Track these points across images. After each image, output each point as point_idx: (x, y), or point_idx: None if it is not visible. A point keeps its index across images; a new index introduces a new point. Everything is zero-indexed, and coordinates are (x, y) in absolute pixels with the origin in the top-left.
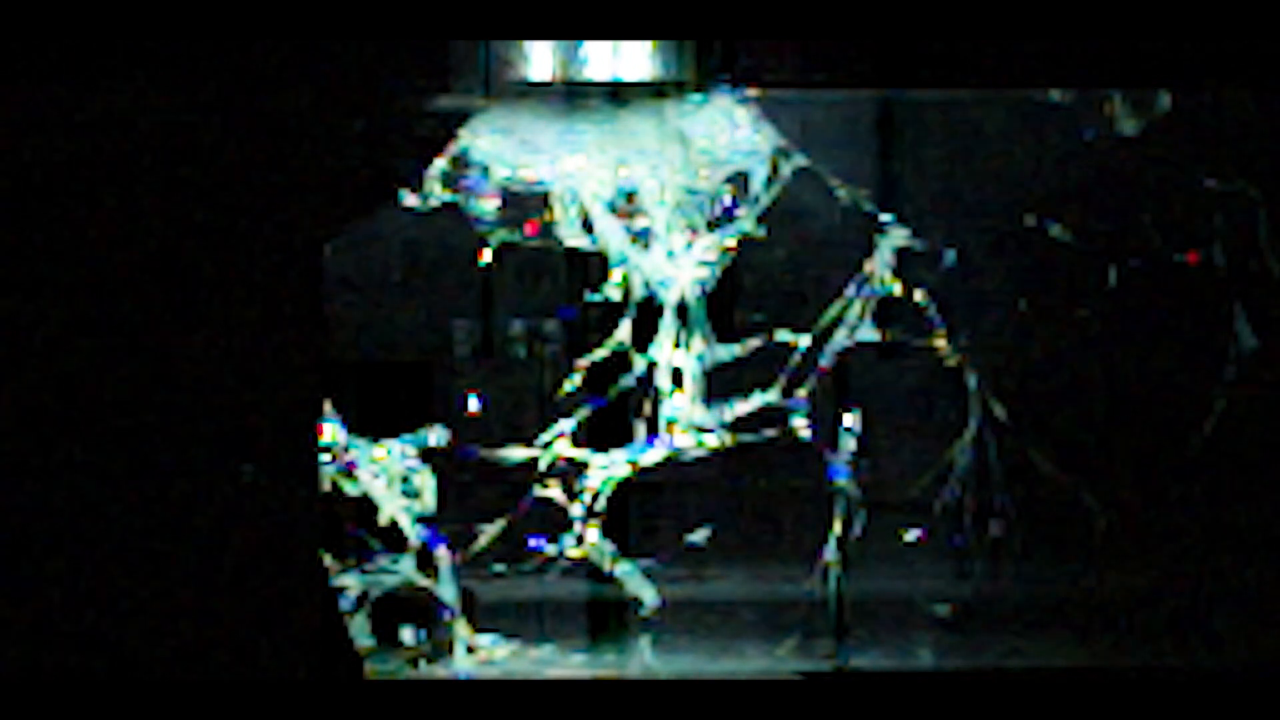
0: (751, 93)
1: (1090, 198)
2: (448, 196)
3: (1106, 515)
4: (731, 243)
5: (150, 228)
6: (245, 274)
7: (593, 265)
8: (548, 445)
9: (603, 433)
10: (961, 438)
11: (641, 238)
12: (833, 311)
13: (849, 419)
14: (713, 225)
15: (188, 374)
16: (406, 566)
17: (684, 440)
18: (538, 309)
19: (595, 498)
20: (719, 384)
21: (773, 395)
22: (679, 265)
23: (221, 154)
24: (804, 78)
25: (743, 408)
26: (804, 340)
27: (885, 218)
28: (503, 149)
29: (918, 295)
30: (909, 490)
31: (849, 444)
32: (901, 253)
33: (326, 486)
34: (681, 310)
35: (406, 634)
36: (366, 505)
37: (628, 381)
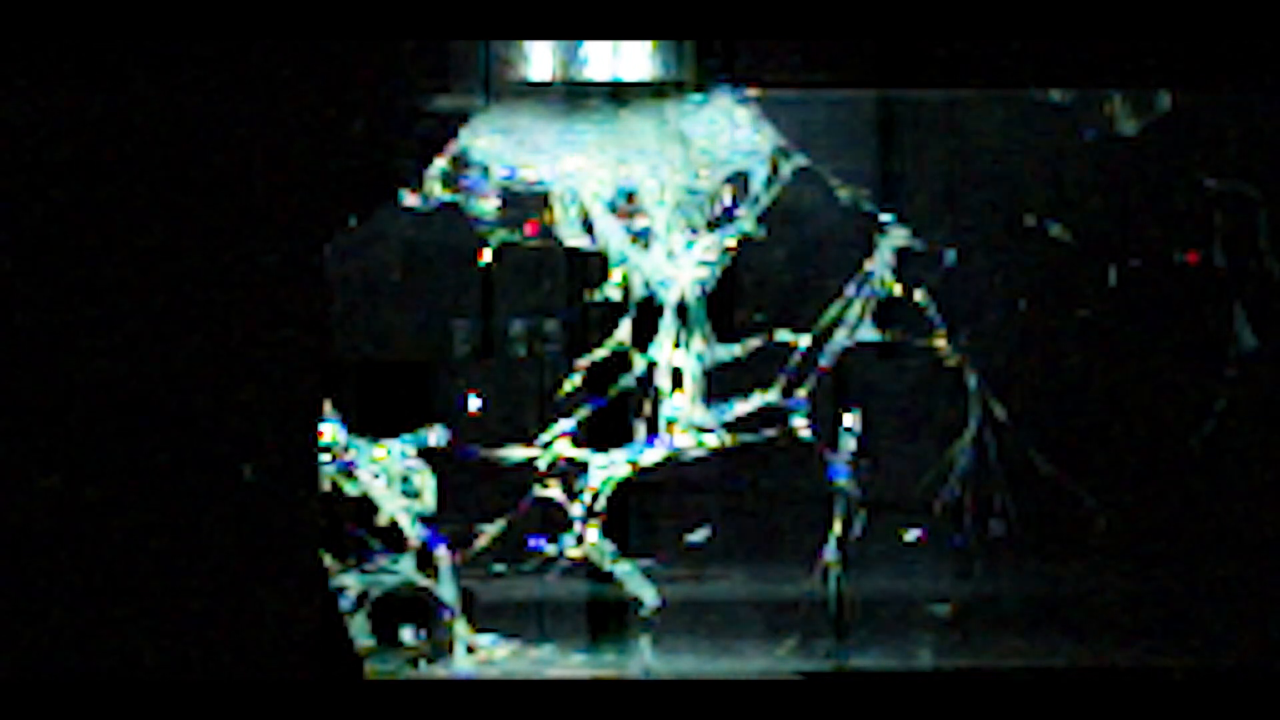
0: (751, 93)
1: (1090, 198)
2: (448, 196)
3: (1106, 515)
4: (731, 243)
5: (150, 228)
6: (245, 274)
7: (593, 265)
8: (548, 445)
9: (603, 433)
10: (961, 438)
11: (641, 238)
12: (833, 311)
13: (849, 419)
14: (713, 225)
15: (188, 374)
16: (406, 566)
17: (684, 440)
18: (538, 309)
19: (595, 498)
20: (719, 384)
21: (773, 395)
22: (679, 265)
23: (221, 154)
24: (804, 78)
25: (743, 408)
26: (804, 340)
27: (885, 218)
28: (503, 149)
29: (918, 295)
30: (909, 490)
31: (849, 444)
32: (901, 253)
33: (326, 486)
34: (681, 310)
35: (406, 634)
36: (366, 505)
37: (628, 381)
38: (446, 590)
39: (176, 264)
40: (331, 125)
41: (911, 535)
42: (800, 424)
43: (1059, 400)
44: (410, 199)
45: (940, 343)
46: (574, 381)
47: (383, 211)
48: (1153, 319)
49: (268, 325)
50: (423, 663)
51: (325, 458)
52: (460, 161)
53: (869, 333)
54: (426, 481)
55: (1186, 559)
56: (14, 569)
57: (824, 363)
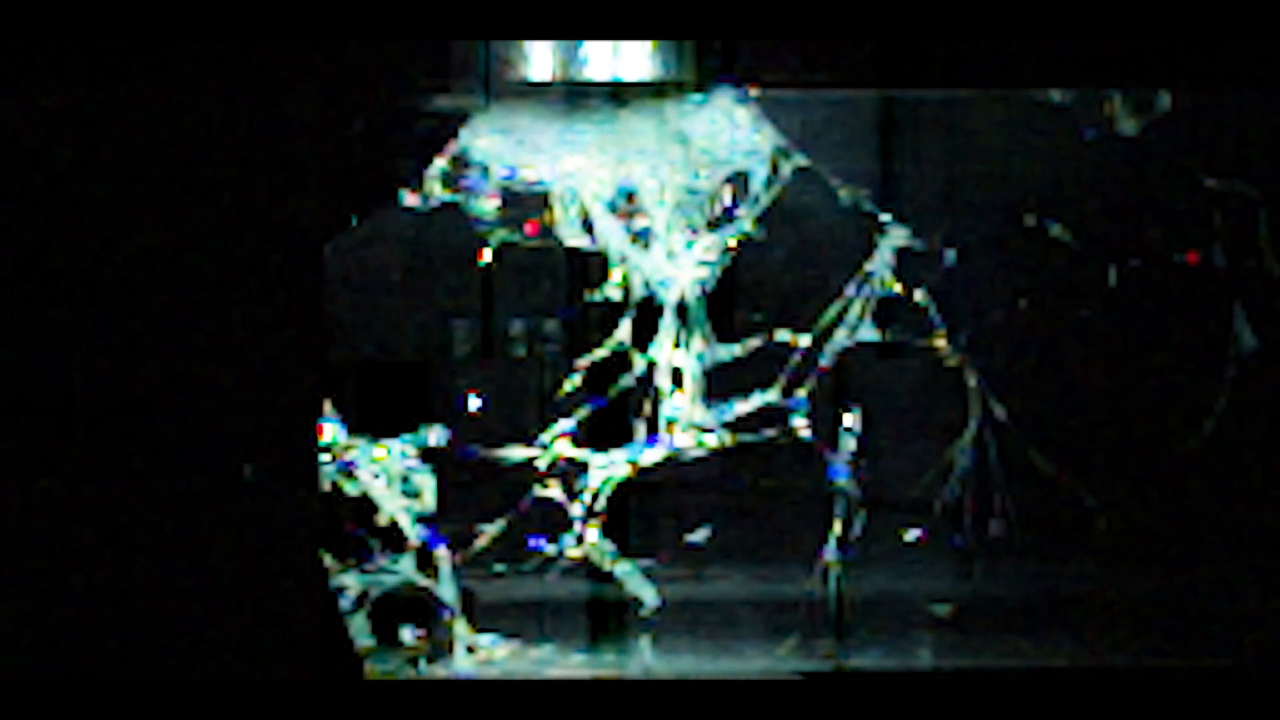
0: (751, 92)
1: (1090, 198)
2: (448, 196)
3: (1106, 515)
4: (731, 243)
5: (150, 228)
6: (245, 274)
7: (593, 265)
8: (548, 445)
9: (603, 433)
10: (961, 438)
11: (641, 238)
12: (833, 311)
13: (849, 419)
14: (713, 225)
15: (188, 374)
16: (406, 566)
17: (684, 440)
18: (538, 309)
19: (595, 498)
20: (719, 384)
21: (773, 395)
22: (679, 265)
23: (222, 154)
24: (804, 78)
25: (743, 408)
26: (804, 340)
27: (885, 218)
28: (503, 149)
29: (918, 295)
30: (909, 490)
31: (849, 444)
32: (901, 253)
33: (326, 486)
34: (681, 310)
35: (406, 634)
36: (366, 505)
37: (628, 381)
38: (446, 590)
39: (177, 264)
40: (331, 125)
41: (911, 535)
42: (800, 424)
43: (1059, 400)
44: (410, 199)
45: (940, 343)
46: (574, 381)
47: (383, 211)
48: (1153, 319)
49: (268, 325)
50: (423, 663)
51: (325, 458)
52: (460, 161)
53: (869, 333)
54: (426, 481)
55: (1186, 559)
56: (14, 569)
57: (824, 363)
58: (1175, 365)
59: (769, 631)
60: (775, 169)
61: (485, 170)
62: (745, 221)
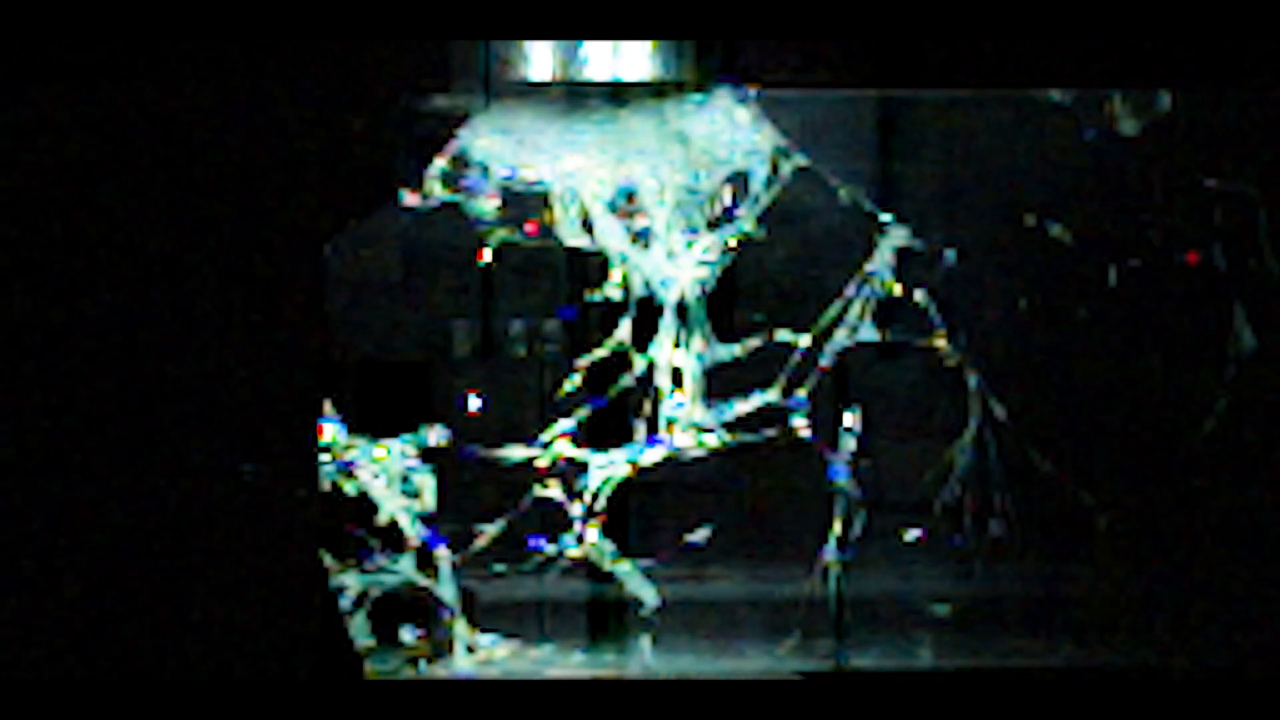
0: (752, 92)
1: (1090, 198)
2: (448, 196)
3: (1106, 515)
4: (731, 243)
5: (150, 228)
6: (246, 274)
7: (593, 265)
8: (548, 445)
9: (603, 433)
10: (961, 438)
11: (641, 238)
12: (833, 311)
13: (849, 419)
14: (713, 225)
15: (188, 373)
16: (406, 566)
17: (684, 440)
18: (538, 309)
19: (595, 498)
20: (719, 384)
21: (773, 395)
22: (679, 265)
23: (222, 154)
24: (804, 78)
25: (743, 408)
26: (804, 340)
27: (885, 218)
28: (503, 149)
29: (918, 295)
30: (909, 490)
31: (849, 444)
32: (901, 253)
33: (326, 486)
34: (681, 310)
35: (406, 634)
36: (366, 505)
37: (628, 381)
38: (446, 590)
39: (177, 264)
40: (331, 125)
41: (911, 535)
42: (800, 424)
43: (1059, 400)
44: (410, 199)
45: (940, 343)
46: (574, 381)
47: (383, 211)
48: (1153, 319)
49: (268, 325)
50: (423, 663)
51: (325, 458)
52: (460, 161)
53: (869, 333)
54: (426, 481)
55: (1187, 559)
56: (14, 569)
57: (824, 363)
58: (1175, 365)
59: (769, 631)
60: (775, 169)
61: (485, 170)
62: (745, 221)
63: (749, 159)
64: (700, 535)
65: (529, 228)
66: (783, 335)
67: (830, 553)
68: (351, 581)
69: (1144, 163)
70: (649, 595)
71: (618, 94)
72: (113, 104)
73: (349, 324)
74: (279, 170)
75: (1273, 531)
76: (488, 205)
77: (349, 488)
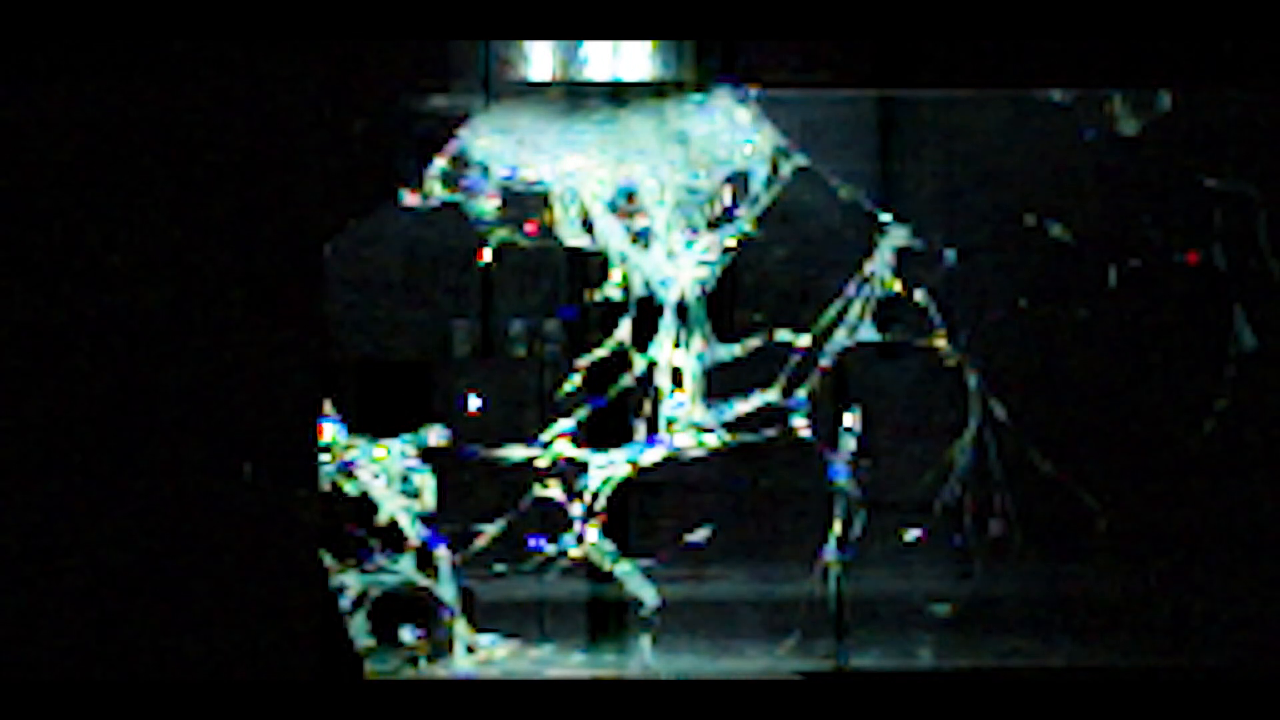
0: (752, 92)
1: (1090, 198)
2: (448, 196)
3: (1106, 515)
4: (731, 243)
5: (150, 228)
6: (246, 274)
7: (593, 265)
8: (548, 445)
9: (603, 433)
10: (961, 438)
11: (641, 238)
12: (833, 311)
13: (849, 419)
14: (713, 225)
15: (188, 373)
16: (406, 566)
17: (684, 440)
18: (538, 309)
19: (595, 498)
20: (719, 384)
21: (773, 395)
22: (679, 265)
23: (222, 154)
24: (804, 78)
25: (743, 408)
26: (804, 340)
27: (885, 218)
28: (503, 149)
29: (918, 295)
30: (909, 490)
31: (849, 444)
32: (901, 253)
33: (326, 486)
34: (681, 310)
35: (406, 634)
36: (366, 505)
37: (628, 381)
38: (446, 590)
39: (177, 264)
40: (331, 125)
41: (911, 535)
42: (800, 424)
43: (1059, 400)
44: (410, 199)
45: (940, 343)
46: (574, 381)
47: (383, 211)
48: (1153, 319)
49: (268, 325)
50: (423, 662)
51: (325, 458)
52: (460, 161)
53: (869, 333)
54: (426, 481)
55: (1186, 559)
56: (15, 569)
57: (824, 363)
58: (1175, 365)
59: (769, 631)
60: (775, 169)
61: (485, 170)
62: (745, 221)
63: (749, 159)
64: (700, 535)
65: (529, 228)
66: (783, 335)
67: (830, 553)
68: (351, 581)
69: (1144, 163)
70: (649, 595)
71: (618, 94)
72: (113, 104)
73: (349, 324)
74: (279, 170)
75: (1273, 531)
76: (488, 205)
77: (349, 488)
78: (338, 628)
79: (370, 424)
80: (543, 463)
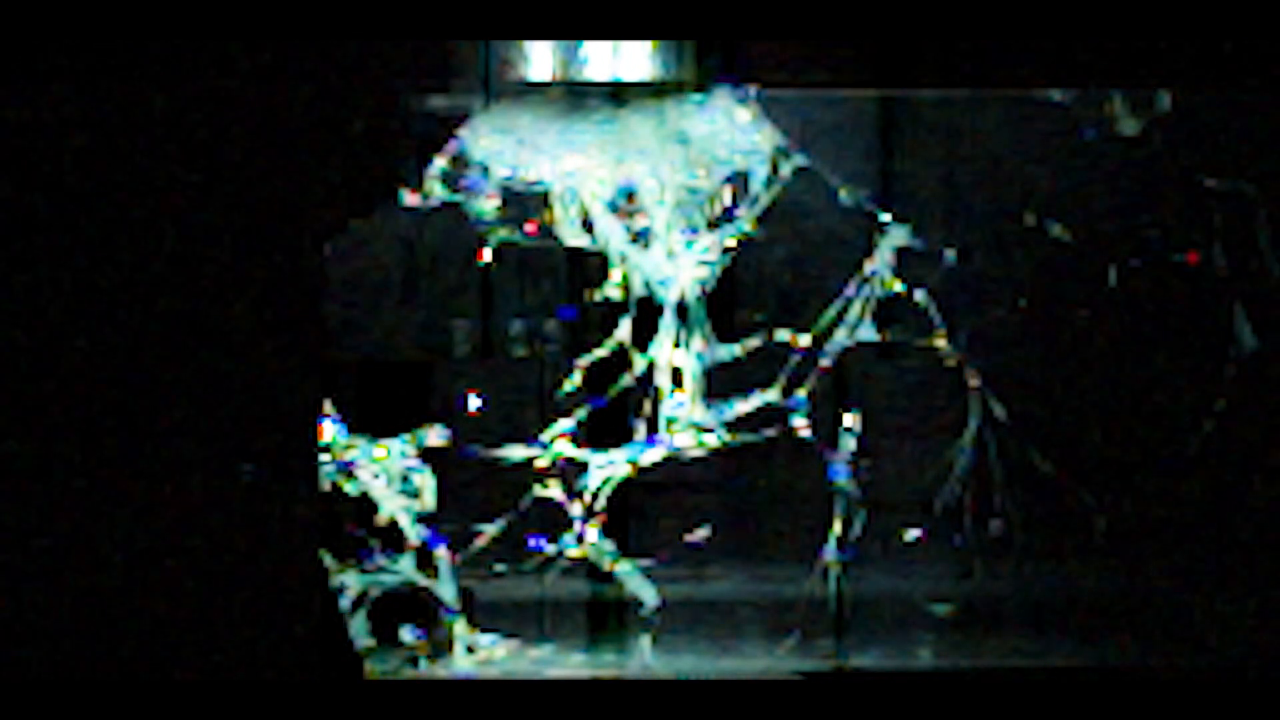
0: (752, 92)
1: (1090, 198)
2: (448, 196)
3: (1106, 515)
4: (731, 243)
5: (150, 227)
6: (246, 274)
7: (593, 265)
8: (548, 445)
9: (603, 433)
10: (961, 438)
11: (641, 237)
12: (832, 311)
13: (849, 419)
14: (713, 225)
15: (188, 373)
16: (406, 566)
17: (684, 440)
18: (538, 309)
19: (595, 498)
20: (719, 384)
21: (773, 395)
22: (679, 265)
23: (222, 154)
24: (804, 78)
25: (743, 408)
26: (804, 340)
27: (885, 218)
28: (503, 149)
29: (918, 295)
30: (909, 490)
31: (849, 444)
32: (901, 253)
33: (326, 486)
34: (681, 310)
35: (406, 634)
36: (366, 505)
37: (628, 381)
38: (446, 590)
39: (177, 264)
40: (331, 125)
41: (911, 535)
42: (800, 424)
43: (1059, 400)
44: (410, 199)
45: (940, 343)
46: (574, 381)
47: (383, 211)
48: (1153, 319)
49: (268, 325)
50: (423, 662)
51: (325, 458)
52: (460, 161)
53: (869, 333)
54: (426, 481)
55: (1186, 559)
56: (15, 569)
57: (824, 363)
58: (1175, 365)
59: (769, 631)
60: (775, 169)
61: (485, 170)
62: (745, 221)
63: (749, 159)
64: (700, 535)
65: (529, 228)
66: (783, 335)
67: (830, 553)
68: (351, 581)
69: (1144, 163)
70: (649, 595)
71: (618, 94)
72: (113, 104)
73: (349, 324)
74: (279, 170)
75: (1273, 531)
76: (488, 205)
77: (349, 488)
78: (338, 628)
79: (370, 424)
80: (543, 463)
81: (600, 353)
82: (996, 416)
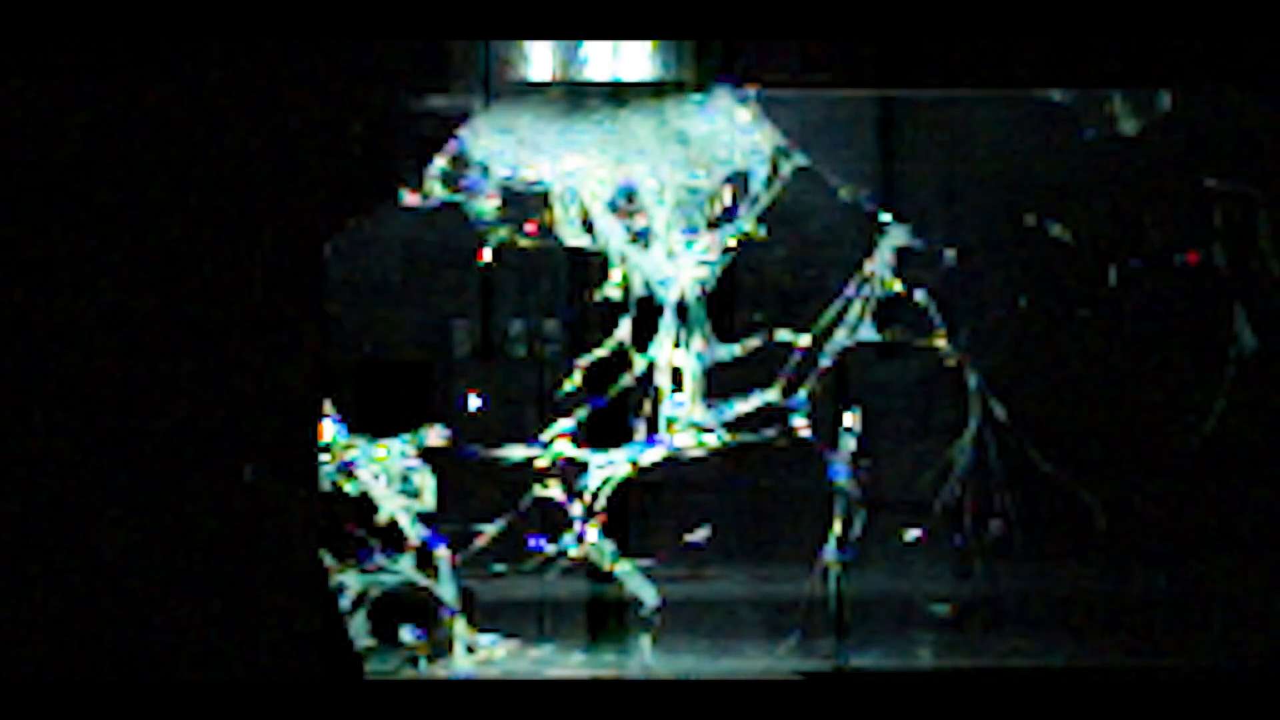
0: (752, 92)
1: (1090, 198)
2: (448, 196)
3: (1106, 515)
4: (731, 243)
5: (151, 228)
6: (246, 274)
7: (593, 265)
8: (548, 445)
9: (603, 433)
10: (961, 438)
11: (641, 237)
12: (832, 311)
13: (849, 419)
14: (713, 225)
15: (188, 374)
16: (406, 566)
17: (684, 440)
18: (538, 309)
19: (595, 498)
20: (719, 384)
21: (773, 395)
22: (679, 265)
23: (222, 154)
24: (804, 78)
25: (743, 408)
26: (804, 340)
27: (885, 218)
28: (503, 149)
29: (918, 295)
30: (909, 490)
31: (849, 444)
32: (901, 253)
33: (326, 486)
34: (681, 310)
35: (406, 634)
36: (366, 505)
37: (628, 381)
38: (446, 590)
39: (177, 264)
40: (331, 125)
41: (911, 535)
42: (800, 424)
43: (1059, 400)
44: (410, 199)
45: (940, 343)
46: (574, 381)
47: (383, 211)
48: (1153, 319)
49: (268, 325)
50: (423, 662)
51: (325, 458)
52: (460, 161)
53: (869, 333)
54: (426, 481)
55: (1187, 559)
56: (15, 569)
57: (824, 363)
58: (1175, 365)
59: (769, 631)
60: (775, 169)
61: (485, 170)
62: (745, 221)
63: (749, 159)
64: (700, 535)
65: (529, 228)
66: (783, 335)
67: (830, 553)
68: (351, 581)
69: (1144, 163)
70: (649, 595)
71: (618, 94)
72: (113, 104)
73: (349, 324)
74: (279, 170)
75: (1273, 531)
76: (488, 205)
77: (349, 488)
78: (338, 628)
79: (370, 424)
80: (543, 463)
81: (600, 353)
82: (996, 416)
